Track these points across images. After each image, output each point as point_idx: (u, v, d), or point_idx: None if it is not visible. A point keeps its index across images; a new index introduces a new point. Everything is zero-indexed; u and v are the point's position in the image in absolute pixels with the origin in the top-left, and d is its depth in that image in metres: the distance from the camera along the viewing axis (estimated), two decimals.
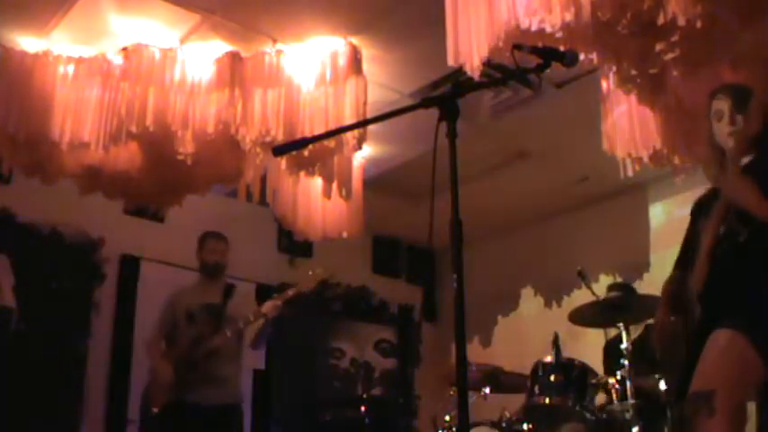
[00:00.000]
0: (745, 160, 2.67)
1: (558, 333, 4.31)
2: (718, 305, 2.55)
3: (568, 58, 2.18)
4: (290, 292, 4.39)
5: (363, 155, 4.94)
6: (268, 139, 4.27)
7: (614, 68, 3.65)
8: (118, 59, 4.44)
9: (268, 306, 4.37)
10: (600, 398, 4.26)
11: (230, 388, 4.49)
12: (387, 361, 7.23)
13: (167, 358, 4.45)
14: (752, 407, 2.55)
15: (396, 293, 7.42)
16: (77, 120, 4.39)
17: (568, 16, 3.16)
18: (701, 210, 2.81)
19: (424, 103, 2.15)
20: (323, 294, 6.95)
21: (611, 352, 4.79)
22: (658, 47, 3.29)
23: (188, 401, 4.33)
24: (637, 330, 4.55)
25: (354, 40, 4.39)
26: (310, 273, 4.52)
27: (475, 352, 6.57)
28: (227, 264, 4.69)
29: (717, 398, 2.35)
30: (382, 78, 4.73)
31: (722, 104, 2.77)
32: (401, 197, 6.38)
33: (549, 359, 4.19)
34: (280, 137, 4.23)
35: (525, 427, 4.16)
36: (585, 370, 4.18)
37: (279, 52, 4.43)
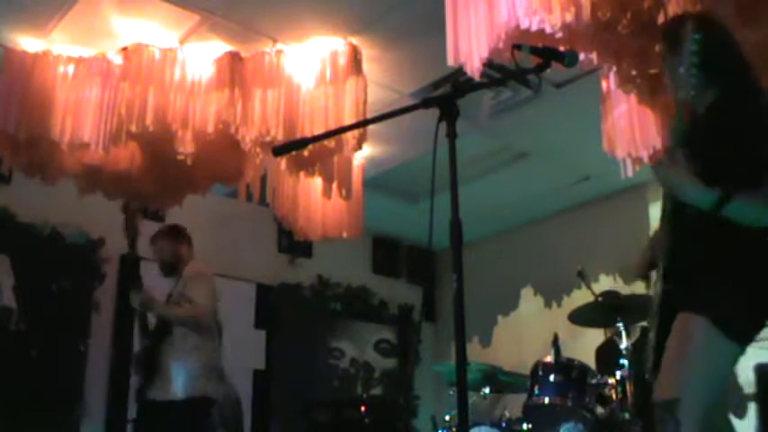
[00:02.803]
0: None
1: (558, 333, 4.31)
2: (680, 281, 2.41)
3: (568, 59, 2.18)
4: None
5: (363, 155, 4.93)
6: (268, 139, 4.27)
7: (614, 68, 3.66)
8: (118, 59, 4.43)
9: None
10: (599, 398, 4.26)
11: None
12: (387, 361, 7.24)
13: None
14: (752, 407, 2.52)
15: (396, 293, 7.43)
16: (77, 120, 4.39)
17: (568, 16, 3.16)
18: None
19: (424, 103, 2.14)
20: (323, 293, 6.97)
21: (604, 355, 4.81)
22: (658, 47, 3.29)
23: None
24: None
25: (354, 40, 4.39)
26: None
27: (475, 352, 6.59)
28: (170, 259, 4.52)
29: (681, 407, 2.19)
30: (382, 78, 4.73)
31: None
32: (401, 197, 6.39)
33: (549, 359, 4.20)
34: (280, 137, 4.23)
35: (525, 427, 4.17)
36: (585, 370, 4.18)
37: (279, 52, 4.43)
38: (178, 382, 4.26)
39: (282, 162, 4.48)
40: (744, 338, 2.33)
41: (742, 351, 2.33)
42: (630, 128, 3.93)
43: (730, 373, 2.36)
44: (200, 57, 4.43)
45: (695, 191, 2.30)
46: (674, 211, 2.42)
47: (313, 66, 4.42)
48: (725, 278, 2.34)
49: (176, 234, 4.61)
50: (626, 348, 3.91)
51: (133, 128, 4.24)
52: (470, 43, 3.48)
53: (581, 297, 4.84)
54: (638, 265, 2.77)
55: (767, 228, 2.31)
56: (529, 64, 2.27)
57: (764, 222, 2.30)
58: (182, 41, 4.43)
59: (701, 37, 2.25)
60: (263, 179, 4.99)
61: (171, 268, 4.52)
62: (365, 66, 4.42)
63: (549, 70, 2.20)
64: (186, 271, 4.47)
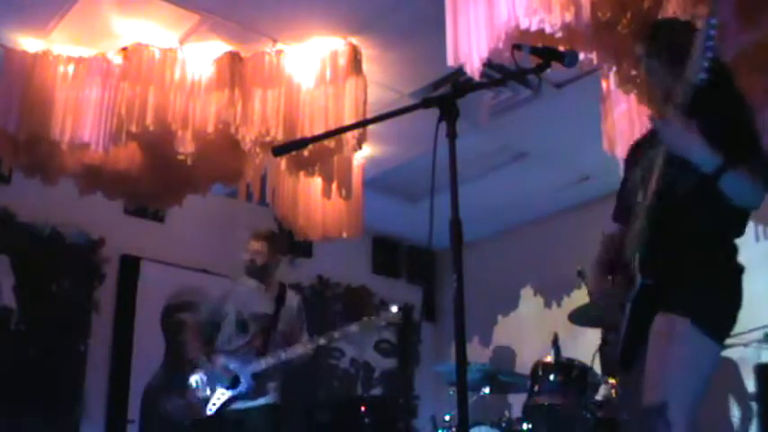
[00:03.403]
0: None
1: (558, 333, 4.32)
2: (661, 274, 2.35)
3: (568, 59, 2.18)
4: None
5: (363, 155, 4.94)
6: (268, 139, 4.27)
7: (614, 68, 3.66)
8: (118, 59, 4.44)
9: None
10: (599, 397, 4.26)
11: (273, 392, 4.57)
12: (387, 361, 7.23)
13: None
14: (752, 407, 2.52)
15: (396, 293, 7.42)
16: (77, 120, 4.39)
17: (568, 16, 3.16)
18: (636, 154, 2.60)
19: (424, 103, 2.15)
20: (323, 293, 6.96)
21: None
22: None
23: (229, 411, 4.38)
24: None
25: (354, 40, 4.39)
26: None
27: (475, 352, 6.58)
28: (262, 264, 4.51)
29: (670, 410, 2.17)
30: (382, 78, 4.73)
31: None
32: (401, 197, 6.39)
33: (549, 359, 4.20)
34: (280, 137, 4.23)
35: (525, 427, 4.17)
36: (585, 370, 4.19)
37: (279, 52, 4.43)
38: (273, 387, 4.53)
39: (282, 162, 4.48)
40: (724, 336, 2.34)
41: (722, 348, 2.35)
42: (630, 128, 3.93)
43: (714, 371, 2.33)
44: (201, 57, 4.43)
45: (703, 151, 2.24)
46: (658, 200, 2.35)
47: (313, 66, 4.42)
48: (711, 273, 2.32)
49: (276, 241, 4.62)
50: None
51: (133, 128, 4.24)
52: (470, 43, 3.49)
53: (581, 297, 4.85)
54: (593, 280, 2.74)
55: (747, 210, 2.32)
56: (529, 64, 2.27)
57: (750, 201, 2.30)
58: (182, 41, 4.43)
59: (715, 21, 2.17)
60: (263, 179, 5.00)
61: (258, 272, 4.52)
62: (365, 66, 4.42)
63: (549, 70, 2.20)
64: (296, 304, 4.63)
